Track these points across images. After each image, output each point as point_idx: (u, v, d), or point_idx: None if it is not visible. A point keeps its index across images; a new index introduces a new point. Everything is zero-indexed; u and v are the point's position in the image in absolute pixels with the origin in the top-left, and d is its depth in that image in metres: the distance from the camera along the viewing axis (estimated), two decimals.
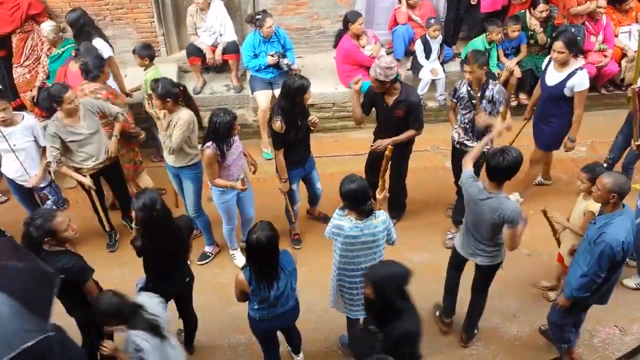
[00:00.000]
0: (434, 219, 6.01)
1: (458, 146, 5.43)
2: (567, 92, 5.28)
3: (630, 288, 5.22)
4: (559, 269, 4.99)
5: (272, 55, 6.43)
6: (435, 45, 7.07)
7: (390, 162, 4.83)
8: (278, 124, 4.86)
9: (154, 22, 7.25)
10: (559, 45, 5.16)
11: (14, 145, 4.92)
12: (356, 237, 3.85)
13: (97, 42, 5.96)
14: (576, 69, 5.24)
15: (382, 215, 3.94)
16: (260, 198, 5.65)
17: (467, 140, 5.31)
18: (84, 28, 5.99)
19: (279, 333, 4.34)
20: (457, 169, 5.48)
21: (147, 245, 3.96)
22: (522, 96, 7.33)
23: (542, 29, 6.95)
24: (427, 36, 7.00)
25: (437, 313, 4.98)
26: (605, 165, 5.63)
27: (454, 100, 5.31)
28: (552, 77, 5.35)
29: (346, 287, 4.16)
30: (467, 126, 5.26)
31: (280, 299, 3.84)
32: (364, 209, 3.84)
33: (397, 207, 5.88)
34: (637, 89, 5.45)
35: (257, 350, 4.49)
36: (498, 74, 7.07)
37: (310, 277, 5.18)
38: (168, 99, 4.77)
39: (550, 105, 5.47)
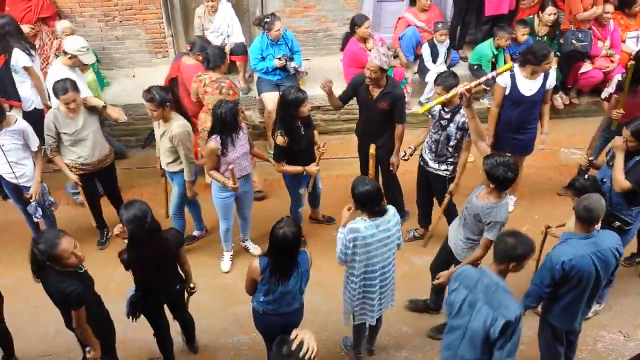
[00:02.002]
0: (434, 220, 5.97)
1: (422, 164, 5.33)
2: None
3: None
4: None
5: (279, 58, 6.45)
6: (442, 49, 7.09)
7: (379, 163, 5.05)
8: (280, 138, 4.90)
9: (162, 23, 7.30)
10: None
11: (3, 145, 4.91)
12: (373, 236, 3.85)
13: (15, 52, 5.76)
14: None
15: (391, 209, 3.97)
16: (265, 199, 5.68)
17: (430, 160, 5.18)
18: (5, 36, 5.79)
19: None
20: (419, 187, 5.49)
21: (135, 257, 3.88)
22: None
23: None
24: (435, 40, 7.02)
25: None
26: (586, 166, 5.64)
27: (428, 115, 5.18)
28: (528, 86, 5.34)
29: (369, 293, 4.12)
30: (432, 146, 5.12)
31: (286, 297, 3.86)
32: (378, 209, 3.86)
33: (394, 206, 5.79)
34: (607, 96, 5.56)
35: (261, 350, 4.52)
36: None
37: (314, 279, 5.13)
38: (167, 104, 4.82)
39: (527, 114, 5.46)
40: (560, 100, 7.41)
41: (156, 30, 7.36)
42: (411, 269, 5.52)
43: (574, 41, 6.87)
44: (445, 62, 7.21)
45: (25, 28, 6.52)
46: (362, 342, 4.60)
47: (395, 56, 7.33)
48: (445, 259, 4.60)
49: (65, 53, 5.55)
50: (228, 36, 6.89)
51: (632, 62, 5.35)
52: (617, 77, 5.60)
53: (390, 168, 5.54)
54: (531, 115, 5.49)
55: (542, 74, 5.30)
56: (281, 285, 3.77)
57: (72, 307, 3.65)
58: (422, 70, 7.23)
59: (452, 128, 4.86)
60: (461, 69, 7.49)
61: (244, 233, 5.67)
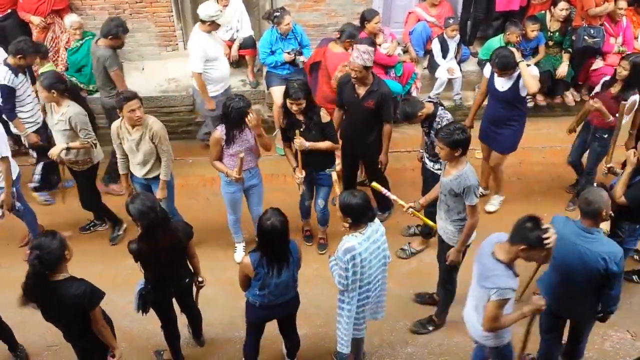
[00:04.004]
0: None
1: (422, 161, 5.35)
2: (522, 92, 5.30)
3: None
4: None
5: (288, 53, 6.44)
6: (452, 45, 7.05)
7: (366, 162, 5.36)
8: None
9: (172, 16, 7.29)
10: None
11: None
12: (367, 250, 3.80)
13: None
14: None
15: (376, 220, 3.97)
16: (272, 193, 5.67)
17: (427, 158, 5.21)
18: None
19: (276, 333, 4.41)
20: (424, 185, 5.42)
21: (145, 248, 3.88)
22: (539, 98, 7.29)
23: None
24: (445, 35, 6.98)
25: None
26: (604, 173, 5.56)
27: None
28: (500, 83, 5.33)
29: (364, 307, 4.06)
30: (425, 147, 5.18)
31: (280, 288, 3.87)
32: (371, 216, 3.85)
33: (382, 200, 5.76)
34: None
35: (268, 343, 4.55)
36: None
37: (317, 273, 5.23)
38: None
39: (505, 110, 5.43)
40: (571, 97, 7.35)
41: (166, 23, 7.36)
42: (419, 265, 5.51)
43: (586, 37, 6.81)
44: (456, 57, 7.16)
45: (36, 20, 6.56)
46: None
47: (405, 51, 7.29)
48: (442, 250, 4.59)
49: (202, 21, 5.79)
50: (237, 30, 6.89)
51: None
52: (605, 78, 5.56)
53: (380, 167, 5.55)
54: (507, 112, 5.44)
55: (517, 74, 5.23)
56: (276, 277, 3.79)
57: (90, 308, 3.55)
58: (432, 66, 7.19)
59: (432, 135, 4.85)
60: (471, 65, 7.46)
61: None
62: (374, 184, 4.83)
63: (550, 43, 7.09)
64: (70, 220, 5.93)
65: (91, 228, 5.98)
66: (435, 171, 5.08)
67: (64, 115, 5.06)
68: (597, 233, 3.73)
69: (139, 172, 5.10)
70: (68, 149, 5.17)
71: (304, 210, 5.63)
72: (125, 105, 4.67)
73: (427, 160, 5.22)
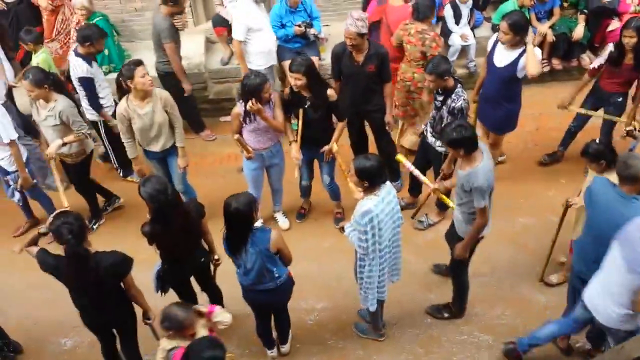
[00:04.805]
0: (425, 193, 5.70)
1: (424, 134, 5.26)
2: (519, 73, 5.08)
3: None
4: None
5: (298, 25, 6.38)
6: (465, 11, 6.93)
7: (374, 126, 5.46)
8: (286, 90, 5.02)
9: None
10: (503, 25, 4.96)
11: None
12: (382, 211, 3.82)
13: None
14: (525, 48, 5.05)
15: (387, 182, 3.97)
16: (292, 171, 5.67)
17: (429, 133, 5.11)
18: None
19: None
20: (417, 157, 5.41)
21: (158, 230, 3.90)
22: (555, 61, 7.18)
23: None
24: (457, 1, 6.86)
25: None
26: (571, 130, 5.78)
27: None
28: (502, 57, 5.14)
29: (383, 269, 4.10)
30: (431, 121, 5.09)
31: (249, 274, 3.88)
32: (385, 178, 3.86)
33: (390, 166, 5.75)
34: None
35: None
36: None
37: (336, 247, 5.25)
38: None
39: (501, 87, 5.24)
40: (588, 59, 7.19)
41: None
42: (436, 236, 5.52)
43: None
44: (469, 23, 7.05)
45: (42, 2, 6.55)
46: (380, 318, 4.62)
47: None
48: (451, 233, 4.56)
49: None
50: None
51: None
52: (610, 46, 5.39)
53: (387, 128, 5.55)
54: (502, 91, 5.26)
55: (520, 50, 5.04)
56: (245, 262, 3.81)
57: (125, 274, 3.74)
58: (445, 33, 7.07)
59: (444, 111, 4.79)
60: (485, 30, 7.34)
61: (275, 204, 5.70)
62: (399, 156, 4.84)
63: (565, 5, 6.96)
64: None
65: (107, 208, 6.01)
66: (437, 148, 5.03)
67: (52, 110, 4.97)
68: (635, 201, 3.61)
69: (155, 146, 5.10)
70: (64, 144, 5.10)
71: (303, 189, 5.64)
72: (136, 70, 4.66)
73: (429, 136, 5.13)
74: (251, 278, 3.91)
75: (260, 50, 6.10)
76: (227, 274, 4.39)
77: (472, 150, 3.91)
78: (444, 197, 4.56)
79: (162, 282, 4.26)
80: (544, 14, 6.96)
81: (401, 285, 4.59)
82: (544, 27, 6.88)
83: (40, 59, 5.77)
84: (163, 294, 4.29)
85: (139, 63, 4.74)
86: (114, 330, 4.17)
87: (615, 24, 6.90)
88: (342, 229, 4.12)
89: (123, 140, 5.08)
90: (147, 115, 4.87)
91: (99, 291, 3.74)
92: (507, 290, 5.01)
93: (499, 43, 5.14)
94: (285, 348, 4.64)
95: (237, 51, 6.11)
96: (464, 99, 4.72)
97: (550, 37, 6.89)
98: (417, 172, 4.67)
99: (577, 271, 4.05)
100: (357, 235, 3.89)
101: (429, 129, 5.15)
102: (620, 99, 5.46)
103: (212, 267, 4.48)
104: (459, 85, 4.79)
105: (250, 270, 3.86)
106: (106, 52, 6.66)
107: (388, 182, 3.93)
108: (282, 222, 5.71)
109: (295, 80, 4.76)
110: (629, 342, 3.48)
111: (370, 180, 3.79)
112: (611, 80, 5.36)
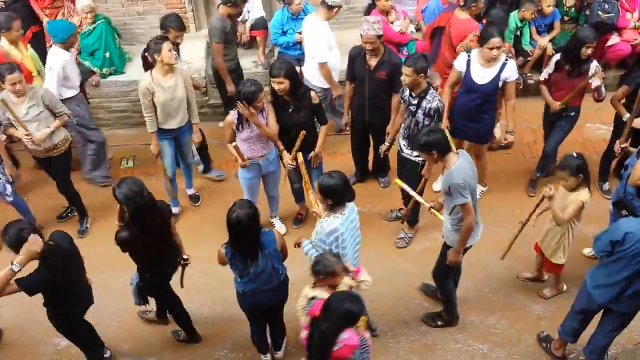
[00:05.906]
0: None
1: (399, 149, 5.24)
2: (500, 84, 5.16)
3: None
4: (539, 259, 4.94)
5: (300, 33, 6.42)
6: None
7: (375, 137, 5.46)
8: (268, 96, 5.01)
9: None
10: (496, 41, 4.95)
11: None
12: (347, 229, 3.84)
13: None
14: (505, 61, 5.10)
15: None
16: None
17: (404, 146, 5.11)
18: None
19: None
20: (399, 172, 5.35)
21: (136, 233, 3.85)
22: None
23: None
24: None
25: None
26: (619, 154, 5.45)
27: (401, 99, 5.05)
28: (482, 74, 5.14)
29: None
30: (405, 132, 5.06)
31: (261, 276, 3.88)
32: (350, 197, 3.88)
33: (385, 169, 6.05)
34: None
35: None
36: (531, 51, 6.98)
37: None
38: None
39: (483, 102, 5.26)
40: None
41: (177, 5, 7.36)
42: (432, 245, 5.53)
43: (599, 12, 6.70)
44: None
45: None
46: None
47: (418, 29, 7.22)
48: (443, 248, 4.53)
49: (328, 7, 5.70)
50: (248, 11, 6.87)
51: None
52: (556, 57, 5.43)
53: (386, 137, 5.54)
54: (485, 105, 5.28)
55: (499, 64, 5.08)
56: (252, 267, 3.81)
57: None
58: None
59: (419, 114, 4.79)
60: None
61: (272, 210, 5.71)
62: (397, 180, 4.86)
63: (566, 19, 7.01)
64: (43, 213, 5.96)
65: (69, 214, 5.96)
66: (414, 158, 5.02)
67: (33, 98, 4.98)
68: None
69: (173, 122, 5.28)
70: (52, 132, 5.12)
71: (296, 193, 5.64)
72: (164, 44, 4.92)
73: (403, 147, 5.12)
74: (262, 280, 3.91)
75: (332, 66, 6.01)
76: (223, 279, 4.39)
77: (445, 152, 3.96)
78: (437, 214, 4.55)
79: (143, 294, 4.33)
80: (544, 28, 7.00)
81: (396, 293, 4.59)
82: (544, 41, 6.92)
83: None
84: (145, 304, 4.38)
85: (166, 39, 5.03)
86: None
87: (614, 39, 6.95)
88: (298, 245, 4.12)
89: (144, 114, 5.21)
90: (170, 88, 5.09)
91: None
92: (502, 300, 5.03)
93: (473, 62, 5.16)
94: (279, 354, 4.64)
95: (324, 73, 5.92)
96: (438, 100, 4.75)
97: (550, 51, 6.93)
98: (413, 193, 4.68)
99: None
100: (316, 254, 3.86)
101: (402, 142, 5.13)
102: (573, 114, 5.53)
103: (180, 269, 4.46)
104: (431, 87, 4.82)
105: (261, 273, 3.87)
106: (107, 54, 6.70)
107: (352, 202, 3.93)
108: (279, 227, 5.72)
109: (278, 85, 4.74)
110: (620, 354, 3.50)
111: (333, 198, 3.79)
112: (569, 93, 5.33)
